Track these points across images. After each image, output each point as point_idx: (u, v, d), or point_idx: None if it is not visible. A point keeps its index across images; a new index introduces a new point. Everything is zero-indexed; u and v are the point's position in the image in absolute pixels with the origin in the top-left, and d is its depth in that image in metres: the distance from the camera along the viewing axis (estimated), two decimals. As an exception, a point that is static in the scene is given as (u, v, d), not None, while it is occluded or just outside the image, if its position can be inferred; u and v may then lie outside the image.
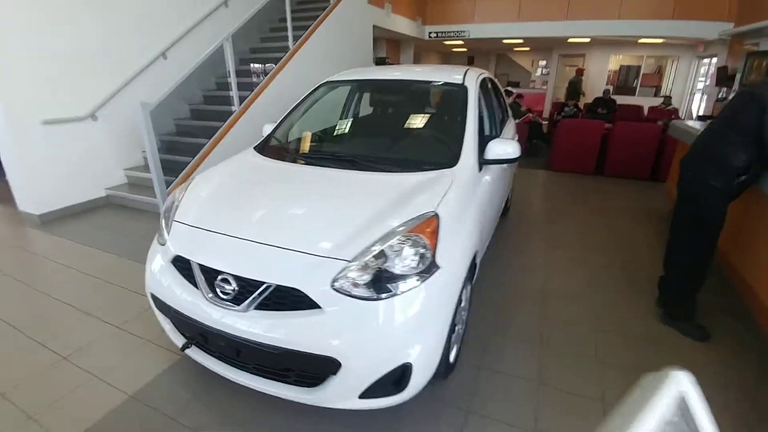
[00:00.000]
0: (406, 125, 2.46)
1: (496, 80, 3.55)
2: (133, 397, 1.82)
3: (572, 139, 6.07)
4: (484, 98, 2.84)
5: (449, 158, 1.97)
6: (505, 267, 3.05)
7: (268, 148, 2.36)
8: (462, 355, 2.05)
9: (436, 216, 1.55)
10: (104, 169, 4.58)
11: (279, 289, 1.41)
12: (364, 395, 1.42)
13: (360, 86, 2.78)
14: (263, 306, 1.44)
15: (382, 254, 1.41)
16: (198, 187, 1.98)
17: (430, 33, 11.00)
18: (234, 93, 4.87)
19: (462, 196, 1.79)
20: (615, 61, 12.82)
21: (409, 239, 1.45)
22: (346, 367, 1.36)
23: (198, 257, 1.58)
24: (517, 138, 3.74)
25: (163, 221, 1.84)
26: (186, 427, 1.68)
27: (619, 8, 8.82)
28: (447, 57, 18.17)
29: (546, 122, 9.49)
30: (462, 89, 2.34)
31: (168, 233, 1.75)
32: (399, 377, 1.42)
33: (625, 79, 12.88)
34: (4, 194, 4.46)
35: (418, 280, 1.43)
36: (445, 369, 1.71)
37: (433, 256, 1.48)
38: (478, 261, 2.08)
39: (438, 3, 10.76)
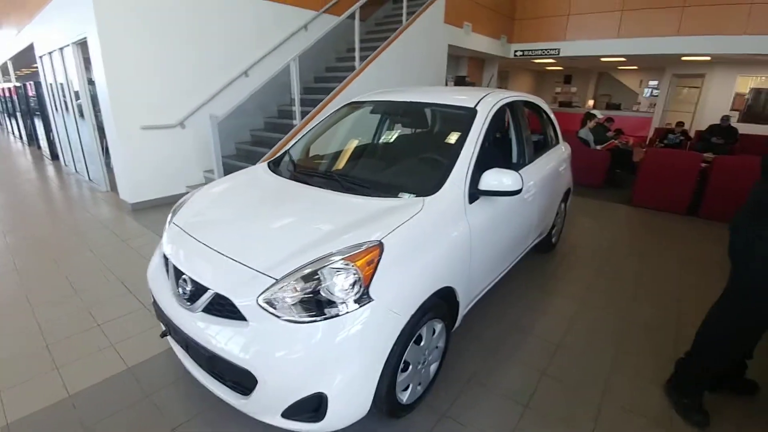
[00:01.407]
0: (403, 148, 2.40)
1: (541, 103, 3.28)
2: (128, 370, 2.09)
3: (661, 171, 5.26)
4: (512, 123, 2.67)
5: (429, 186, 1.86)
6: (526, 309, 2.76)
7: (277, 162, 2.51)
8: (428, 398, 1.91)
9: (380, 246, 1.49)
10: (187, 169, 5.29)
11: (219, 295, 1.49)
12: (285, 415, 1.42)
13: (375, 108, 2.78)
14: (209, 309, 1.53)
15: (312, 277, 1.40)
16: (202, 193, 2.19)
17: (515, 51, 10.58)
18: (297, 108, 5.28)
19: (425, 228, 1.68)
20: (743, 83, 10.77)
21: (342, 266, 1.42)
22: (261, 383, 1.37)
23: (173, 257, 1.75)
24: (565, 168, 3.40)
25: (170, 215, 2.07)
26: (154, 405, 1.87)
27: (745, 21, 7.45)
28: (541, 76, 17.25)
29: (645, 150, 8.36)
30: (469, 114, 2.20)
31: (166, 231, 1.97)
32: (317, 405, 1.39)
33: (756, 105, 10.73)
34: (114, 183, 5.44)
35: (345, 309, 1.39)
36: (389, 407, 1.62)
37: (367, 287, 1.42)
38: (460, 299, 1.94)
39: (526, 20, 10.31)
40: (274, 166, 2.44)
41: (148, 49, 4.58)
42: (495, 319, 2.60)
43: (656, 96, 12.93)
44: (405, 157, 2.43)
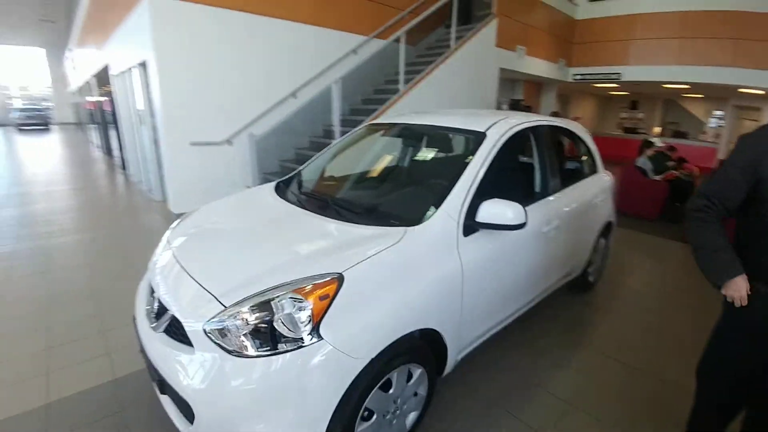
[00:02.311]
0: (405, 173, 2.24)
1: (575, 129, 2.97)
2: (113, 381, 2.11)
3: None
4: (536, 150, 2.42)
5: (416, 215, 1.70)
6: (540, 360, 2.42)
7: (286, 182, 2.47)
8: (403, 451, 1.69)
9: (339, 279, 1.35)
10: (232, 183, 5.52)
11: (176, 317, 1.44)
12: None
13: (386, 131, 2.67)
14: (169, 331, 1.48)
15: (263, 308, 1.30)
16: (202, 210, 2.20)
17: (574, 75, 10.06)
18: (336, 128, 5.35)
19: (400, 262, 1.51)
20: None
21: (293, 298, 1.30)
22: (197, 416, 1.27)
23: (151, 272, 1.75)
24: (604, 199, 3.03)
25: (169, 230, 2.10)
26: (122, 422, 1.85)
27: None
28: (605, 101, 16.25)
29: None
30: (477, 139, 2.02)
31: (159, 248, 1.99)
32: (253, 449, 1.26)
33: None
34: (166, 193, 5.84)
35: (288, 347, 1.26)
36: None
37: (317, 324, 1.28)
38: (449, 344, 1.72)
39: (586, 44, 9.80)
40: (283, 186, 2.41)
41: (200, 71, 4.92)
42: (499, 369, 2.30)
43: (722, 126, 11.67)
44: (405, 183, 2.30)
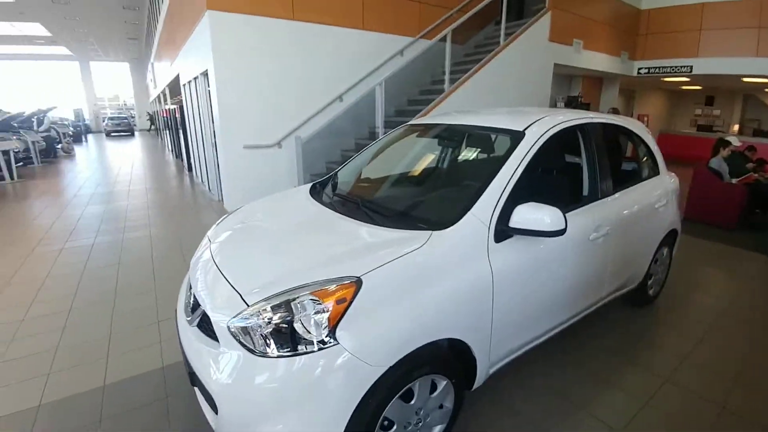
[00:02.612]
0: (438, 175, 2.16)
1: (633, 127, 2.71)
2: (161, 369, 2.28)
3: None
4: (584, 150, 2.24)
5: (446, 218, 1.63)
6: (587, 378, 2.22)
7: (323, 184, 2.50)
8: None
9: (357, 283, 1.33)
10: (282, 184, 5.77)
11: (206, 313, 1.51)
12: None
13: (422, 131, 2.61)
14: (201, 325, 1.56)
15: (282, 308, 1.32)
16: (239, 212, 2.31)
17: (639, 69, 9.24)
18: (380, 130, 5.39)
19: (422, 267, 1.46)
20: None
21: (311, 300, 1.31)
22: (220, 410, 1.32)
23: (191, 268, 1.86)
24: (666, 204, 2.73)
25: (210, 231, 2.22)
26: (166, 409, 1.98)
27: None
28: (676, 96, 14.76)
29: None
30: (514, 138, 1.90)
31: (200, 246, 2.11)
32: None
33: None
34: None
35: (306, 349, 1.27)
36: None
37: (334, 327, 1.28)
38: (478, 356, 1.64)
39: (651, 35, 8.96)
40: (318, 188, 2.46)
41: (253, 78, 5.21)
42: (538, 387, 2.15)
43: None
44: (436, 185, 2.23)
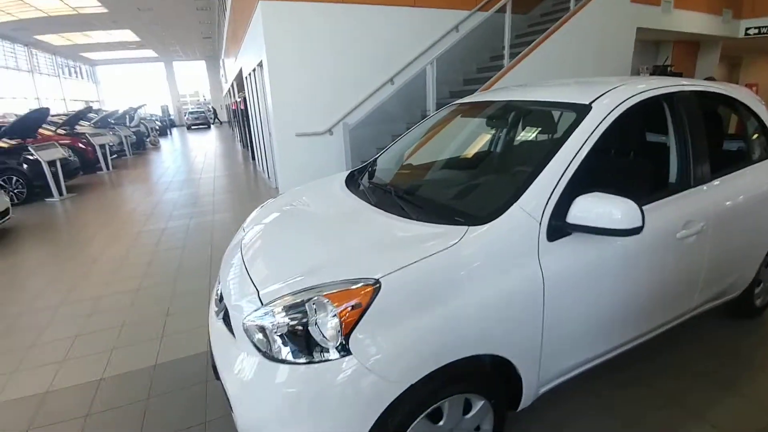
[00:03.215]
0: (481, 160, 1.86)
1: (740, 95, 2.15)
2: (205, 352, 2.32)
3: None
4: (673, 126, 1.81)
5: (486, 211, 1.38)
6: (665, 401, 1.84)
7: (360, 171, 2.35)
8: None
9: (375, 286, 1.15)
10: (333, 168, 5.74)
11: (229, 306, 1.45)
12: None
13: (471, 110, 2.30)
14: (225, 319, 1.50)
15: (295, 309, 1.19)
16: (276, 200, 2.24)
17: (747, 29, 7.73)
18: (432, 113, 5.07)
19: (453, 270, 1.23)
20: None
21: (324, 304, 1.16)
22: (235, 409, 1.25)
23: (223, 260, 1.83)
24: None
25: (246, 222, 2.19)
26: (206, 392, 2.01)
27: None
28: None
29: None
30: (578, 114, 1.56)
31: (235, 237, 2.08)
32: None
33: None
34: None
35: (318, 357, 1.13)
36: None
37: (347, 336, 1.12)
38: (523, 374, 1.39)
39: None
40: (355, 175, 2.31)
41: (304, 65, 5.19)
42: (604, 414, 1.81)
43: None
44: (481, 172, 1.94)
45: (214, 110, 27.61)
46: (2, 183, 6.59)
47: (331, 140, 5.55)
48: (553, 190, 1.38)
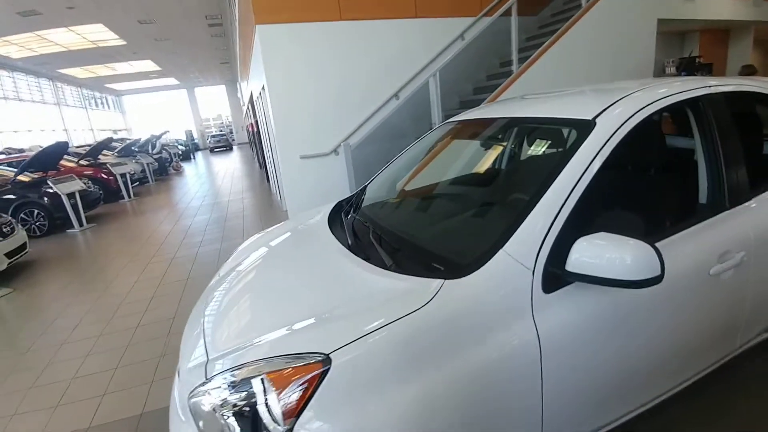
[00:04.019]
0: (469, 192, 1.61)
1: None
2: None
3: None
4: (700, 136, 1.53)
5: (466, 259, 1.14)
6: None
7: (345, 202, 2.14)
8: None
9: (324, 363, 0.94)
10: (339, 189, 5.57)
11: None
12: None
13: (463, 130, 2.04)
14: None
15: (242, 386, 1.00)
16: (253, 241, 2.07)
17: (784, 9, 7.12)
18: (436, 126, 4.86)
19: (423, 336, 1.00)
20: None
21: (266, 384, 0.96)
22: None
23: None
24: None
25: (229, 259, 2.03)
26: None
27: None
28: None
29: None
30: (579, 133, 1.31)
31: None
32: None
33: None
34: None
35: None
36: None
37: (294, 420, 0.91)
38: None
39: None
40: (342, 206, 2.10)
41: (305, 85, 5.10)
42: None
43: None
44: (470, 207, 1.66)
45: (226, 134, 28.49)
46: (24, 216, 6.81)
47: (337, 161, 5.41)
48: (549, 229, 1.13)
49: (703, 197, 1.50)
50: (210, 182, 12.21)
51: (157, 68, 20.95)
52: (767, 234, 1.52)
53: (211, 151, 26.33)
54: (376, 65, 5.37)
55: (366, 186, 2.20)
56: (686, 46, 8.05)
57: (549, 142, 1.63)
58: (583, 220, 1.16)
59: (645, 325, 1.27)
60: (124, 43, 14.40)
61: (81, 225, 7.06)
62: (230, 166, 16.32)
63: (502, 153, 2.02)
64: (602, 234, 1.07)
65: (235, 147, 27.64)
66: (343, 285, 1.30)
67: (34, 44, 13.69)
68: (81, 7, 10.46)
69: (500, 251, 1.12)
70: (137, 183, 12.00)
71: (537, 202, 1.17)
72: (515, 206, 1.22)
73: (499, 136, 2.00)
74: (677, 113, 1.51)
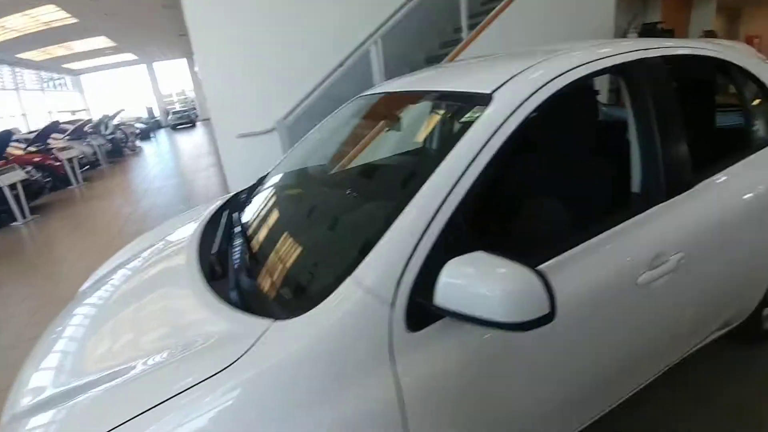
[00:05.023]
0: (332, 194, 1.27)
1: (734, 57, 1.51)
2: None
3: None
4: (633, 111, 1.23)
5: (304, 293, 0.85)
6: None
7: (231, 199, 1.77)
8: None
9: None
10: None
11: None
12: None
13: (360, 109, 1.68)
14: None
15: None
16: (122, 251, 1.73)
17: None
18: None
19: (241, 401, 0.71)
20: None
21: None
22: None
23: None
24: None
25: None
26: None
27: None
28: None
29: None
30: (474, 113, 1.00)
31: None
32: None
33: None
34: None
35: None
36: None
37: None
38: None
39: None
40: (229, 203, 1.74)
41: (239, 56, 4.62)
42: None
43: None
44: (326, 217, 1.27)
45: (194, 107, 27.02)
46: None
47: (277, 139, 4.99)
48: (416, 246, 0.83)
49: (636, 186, 1.22)
50: (165, 162, 11.50)
51: (113, 44, 19.52)
52: (710, 226, 1.27)
53: (174, 128, 24.95)
54: (320, 35, 4.89)
55: (263, 178, 1.83)
56: (649, 12, 7.77)
57: (443, 124, 1.30)
58: (470, 229, 0.86)
59: (552, 358, 1.00)
60: (76, 20, 13.43)
61: (24, 217, 6.53)
62: (190, 144, 15.49)
63: (384, 141, 1.67)
64: (477, 254, 0.77)
65: (198, 123, 26.18)
66: (163, 326, 0.97)
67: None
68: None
69: (347, 279, 0.81)
70: (87, 167, 11.17)
71: (402, 210, 0.85)
72: (374, 216, 0.91)
73: (388, 117, 1.62)
74: (612, 84, 1.22)
